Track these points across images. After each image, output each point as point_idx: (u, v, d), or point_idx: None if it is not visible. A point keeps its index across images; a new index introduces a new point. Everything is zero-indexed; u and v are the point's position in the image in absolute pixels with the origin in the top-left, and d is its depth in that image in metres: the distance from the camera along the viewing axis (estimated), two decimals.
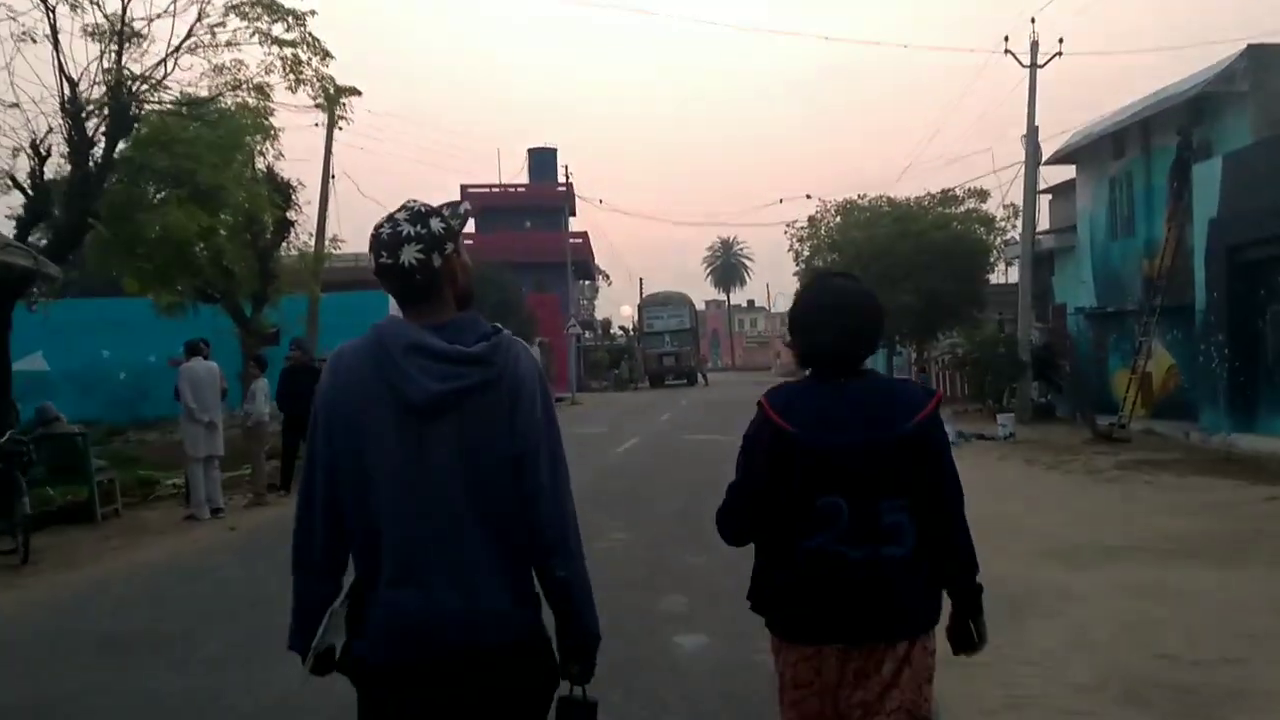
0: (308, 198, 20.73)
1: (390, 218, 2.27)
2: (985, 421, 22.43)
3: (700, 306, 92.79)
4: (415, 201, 2.30)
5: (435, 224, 2.25)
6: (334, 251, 21.80)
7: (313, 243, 20.81)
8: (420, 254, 2.21)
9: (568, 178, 55.84)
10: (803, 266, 40.05)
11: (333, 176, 22.63)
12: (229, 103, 14.49)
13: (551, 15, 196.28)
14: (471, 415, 2.17)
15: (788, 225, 38.41)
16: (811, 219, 37.76)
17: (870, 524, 2.53)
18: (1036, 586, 7.29)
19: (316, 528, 2.26)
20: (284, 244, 20.12)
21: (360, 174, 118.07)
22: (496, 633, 2.17)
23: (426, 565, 2.15)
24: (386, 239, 2.23)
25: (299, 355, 13.19)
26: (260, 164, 19.33)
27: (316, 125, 23.29)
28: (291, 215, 20.18)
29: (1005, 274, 39.69)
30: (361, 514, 2.20)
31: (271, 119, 18.16)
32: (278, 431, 13.90)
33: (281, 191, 19.73)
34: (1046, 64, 23.18)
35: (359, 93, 13.80)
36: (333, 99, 13.30)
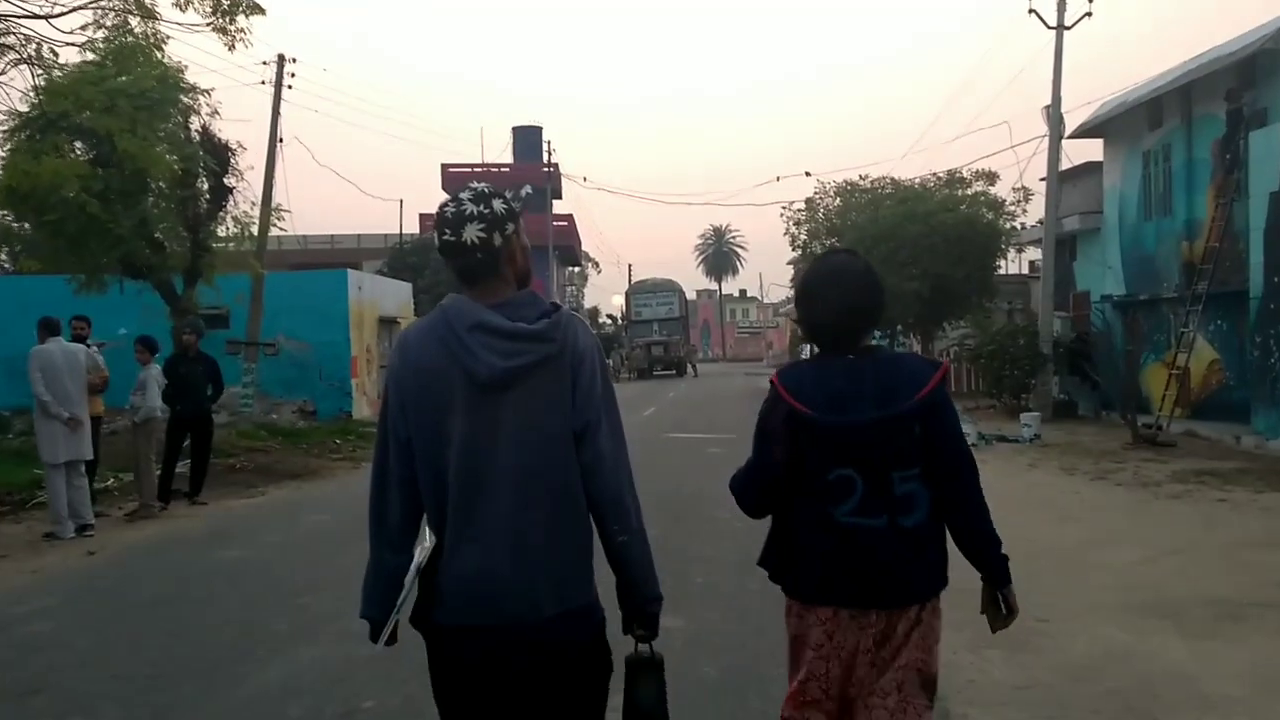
0: (249, 162, 18.48)
1: (455, 197, 2.33)
2: (1004, 420, 20.30)
3: (691, 296, 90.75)
4: (480, 183, 2.40)
5: (498, 205, 2.32)
6: (279, 226, 19.31)
7: (256, 213, 18.44)
8: (482, 232, 2.28)
9: (549, 155, 53.48)
10: (800, 252, 37.98)
11: (280, 140, 20.45)
12: (109, 24, 12.17)
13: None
14: (535, 389, 2.24)
15: (784, 207, 36.29)
16: (809, 201, 35.53)
17: (884, 495, 2.59)
18: (1150, 673, 5.14)
19: (391, 500, 2.32)
20: (221, 213, 17.79)
21: (331, 149, 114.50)
22: (556, 597, 2.24)
23: (493, 534, 2.22)
24: (450, 216, 2.30)
25: (190, 339, 10.92)
26: (195, 123, 17.18)
27: (263, 83, 21.27)
28: (230, 181, 17.86)
29: (1017, 262, 37.64)
30: (433, 486, 2.27)
31: (183, 74, 16.02)
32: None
33: (218, 154, 17.46)
34: (1075, 25, 21.00)
35: (262, 10, 11.57)
36: (228, 11, 11.07)
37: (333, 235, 48.61)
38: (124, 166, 15.08)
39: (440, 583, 2.26)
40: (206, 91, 16.90)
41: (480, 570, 2.22)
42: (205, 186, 17.58)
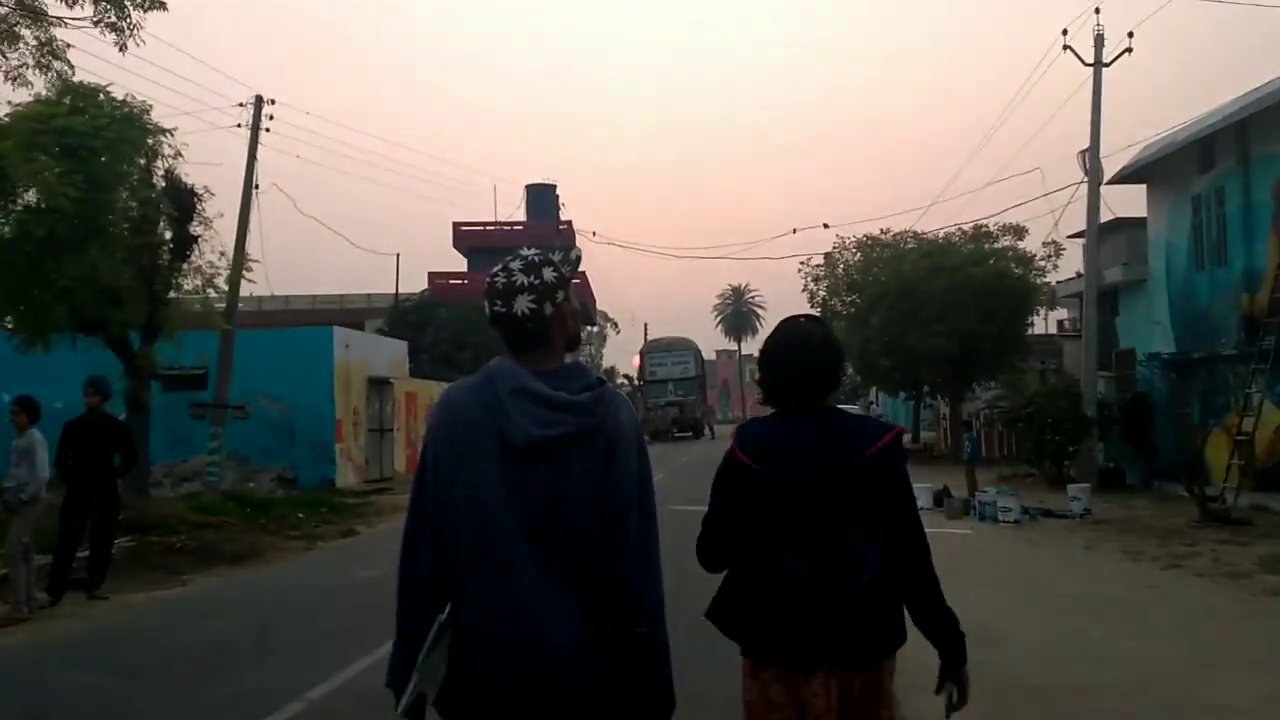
0: (218, 209, 16.98)
1: (505, 266, 2.33)
2: (1046, 491, 18.35)
3: (710, 356, 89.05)
4: (529, 249, 2.36)
5: (548, 273, 2.30)
6: (248, 279, 17.79)
7: (223, 264, 16.84)
8: (533, 304, 2.27)
9: (557, 211, 52.33)
10: (819, 309, 36.34)
11: (256, 186, 19.05)
12: None
13: (556, 56, 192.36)
14: (569, 461, 2.22)
15: (802, 263, 34.52)
16: (828, 256, 33.98)
17: (832, 551, 2.57)
18: None
19: (423, 560, 2.28)
20: (184, 264, 16.25)
21: (334, 205, 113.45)
22: (576, 671, 2.20)
23: (514, 602, 2.19)
24: (501, 288, 2.30)
25: (93, 400, 9.23)
26: (160, 166, 15.78)
27: (239, 126, 19.94)
28: (196, 229, 16.35)
29: (1045, 321, 35.71)
30: (461, 546, 2.24)
31: (147, 113, 14.68)
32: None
33: (181, 199, 15.99)
34: (1114, 62, 19.41)
35: (163, 5, 10.13)
36: (117, 2, 9.59)
37: (328, 295, 47.43)
38: (72, 211, 13.65)
39: (462, 649, 2.20)
40: (169, 131, 15.49)
41: (503, 639, 2.18)
42: (167, 235, 16.11)
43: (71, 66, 11.49)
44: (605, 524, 2.21)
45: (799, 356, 2.72)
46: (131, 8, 9.86)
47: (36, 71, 10.80)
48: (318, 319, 33.47)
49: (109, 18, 9.83)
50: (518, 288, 2.27)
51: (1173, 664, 6.60)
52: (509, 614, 2.17)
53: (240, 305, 45.00)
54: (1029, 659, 6.64)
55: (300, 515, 15.65)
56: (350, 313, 42.76)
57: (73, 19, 9.89)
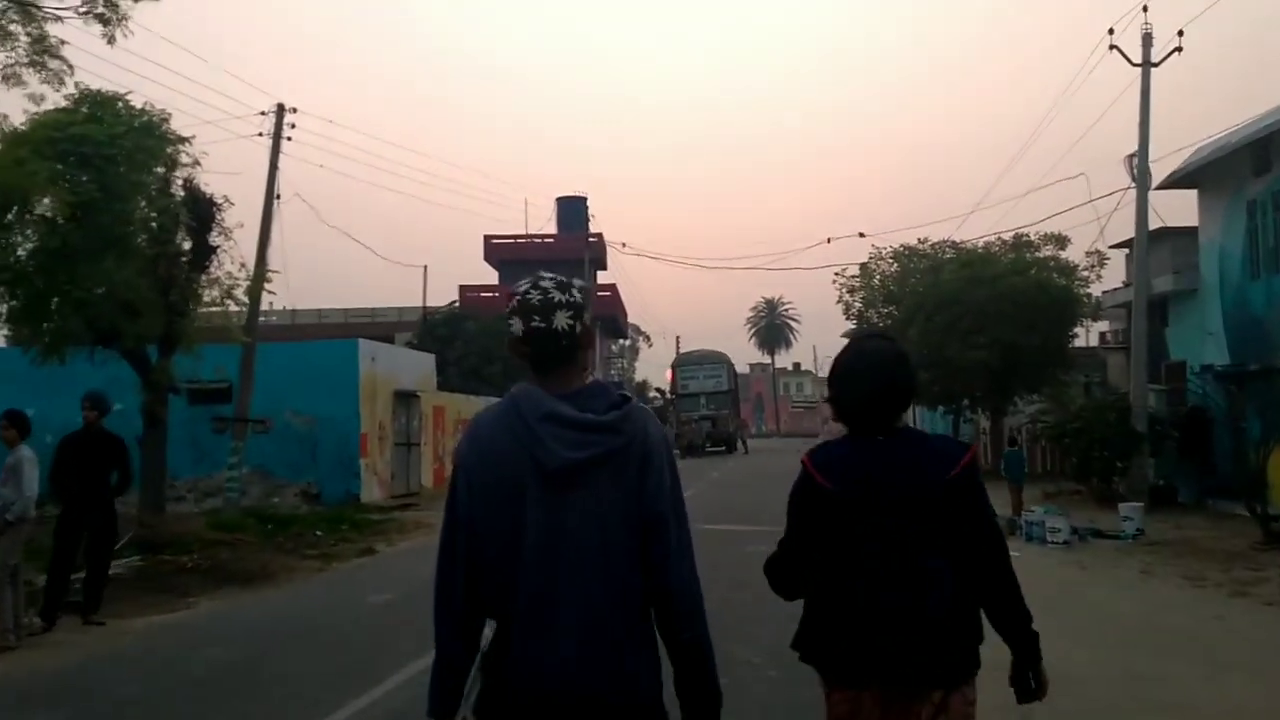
0: (238, 219, 16.67)
1: (536, 285, 2.32)
2: (1095, 510, 17.54)
3: (744, 369, 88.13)
4: (547, 273, 2.37)
5: (576, 293, 2.33)
6: (269, 290, 17.46)
7: (243, 275, 16.48)
8: (570, 319, 2.30)
9: (587, 223, 51.93)
10: (854, 321, 35.57)
11: (278, 196, 18.74)
12: None
13: (584, 70, 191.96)
14: (603, 481, 2.24)
15: (836, 274, 33.81)
16: (864, 267, 33.25)
17: (910, 574, 2.57)
18: None
19: (458, 586, 2.29)
20: (203, 275, 15.92)
21: (362, 217, 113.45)
22: (623, 692, 2.21)
23: (558, 625, 2.19)
24: (538, 304, 2.29)
25: (90, 415, 8.80)
26: (180, 175, 15.50)
27: (261, 135, 19.67)
28: (215, 240, 16.03)
29: (1086, 333, 34.65)
30: (498, 573, 2.24)
31: (167, 122, 14.44)
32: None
33: (201, 209, 15.68)
34: (1162, 62, 18.64)
35: None
36: None
37: (360, 309, 47.38)
38: (81, 221, 13.38)
39: (505, 675, 2.20)
40: (188, 139, 15.20)
41: (546, 664, 2.18)
42: (186, 245, 15.80)
43: (70, 66, 11.13)
44: (645, 535, 2.23)
45: (874, 376, 2.71)
46: None
47: (31, 70, 10.45)
48: (349, 333, 33.22)
49: (97, 8, 9.46)
50: (556, 304, 2.28)
51: (1256, 714, 5.91)
52: (554, 638, 2.18)
53: (274, 319, 45.26)
54: (1092, 708, 5.96)
55: (319, 533, 15.19)
56: (382, 326, 42.65)
57: (60, 9, 9.51)
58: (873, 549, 2.58)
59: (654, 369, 71.87)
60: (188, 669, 7.17)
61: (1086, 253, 28.60)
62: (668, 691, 2.25)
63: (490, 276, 53.67)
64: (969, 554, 2.60)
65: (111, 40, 10.10)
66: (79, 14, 9.76)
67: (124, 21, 10.00)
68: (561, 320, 2.27)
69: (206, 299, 16.04)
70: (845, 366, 2.79)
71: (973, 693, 2.60)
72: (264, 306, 33.78)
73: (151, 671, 7.17)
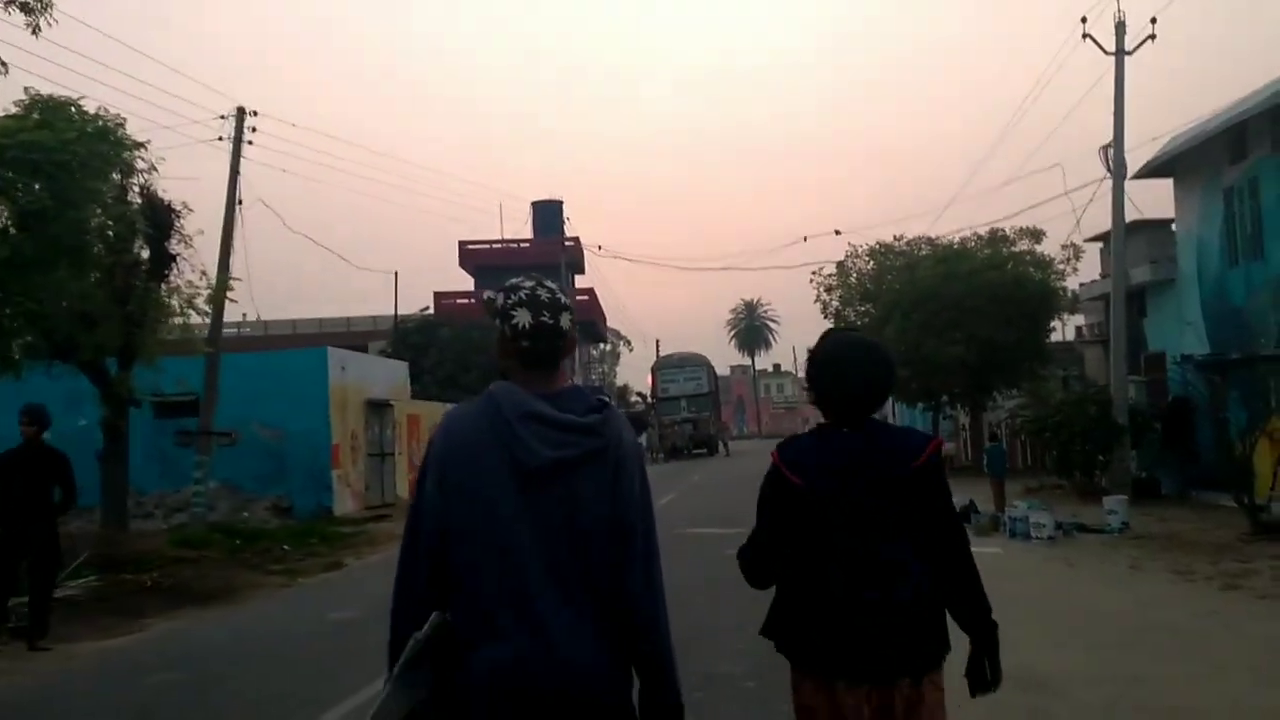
0: (198, 226, 16.20)
1: (541, 283, 2.36)
2: (1077, 504, 17.31)
3: (724, 372, 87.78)
4: (535, 276, 2.40)
5: (564, 297, 2.38)
6: (230, 298, 16.99)
7: (202, 284, 15.99)
8: (570, 320, 2.35)
9: (562, 227, 51.59)
10: (832, 319, 35.36)
11: (240, 202, 18.27)
12: None
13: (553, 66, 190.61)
14: (579, 483, 2.24)
15: (814, 273, 33.57)
16: (840, 265, 33.03)
17: (877, 564, 2.61)
18: None
19: (419, 580, 2.28)
20: (163, 284, 15.45)
21: (331, 223, 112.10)
22: (589, 691, 2.21)
23: (525, 621, 2.19)
24: (547, 301, 2.32)
25: (31, 431, 8.35)
26: (136, 181, 15.05)
27: (220, 139, 19.19)
28: (175, 248, 15.57)
29: (1061, 327, 34.53)
30: (464, 568, 2.23)
31: (122, 126, 14.03)
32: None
33: (158, 216, 15.23)
34: (1136, 50, 18.47)
35: None
36: None
37: (334, 318, 46.89)
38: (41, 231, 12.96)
39: (469, 673, 2.19)
40: (143, 144, 14.73)
41: (514, 663, 2.16)
42: (145, 254, 15.33)
43: (3, 63, 10.68)
44: (615, 541, 2.24)
45: (856, 369, 2.73)
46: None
47: None
48: (323, 343, 32.77)
49: None
50: (562, 305, 2.33)
51: (1264, 715, 5.61)
52: (525, 634, 2.17)
53: (248, 330, 44.42)
54: (1086, 713, 5.66)
55: (285, 548, 14.75)
56: (357, 335, 42.13)
57: None
58: (841, 539, 2.62)
59: (635, 373, 71.36)
60: (131, 696, 6.74)
61: (1062, 246, 28.51)
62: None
63: (465, 282, 53.21)
64: (933, 543, 2.64)
65: (36, 30, 9.65)
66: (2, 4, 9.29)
67: (48, 10, 9.54)
68: (565, 320, 2.31)
69: (167, 309, 15.59)
70: (824, 360, 2.80)
71: (940, 678, 2.64)
72: (236, 318, 33.11)
73: (93, 699, 6.75)
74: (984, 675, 2.68)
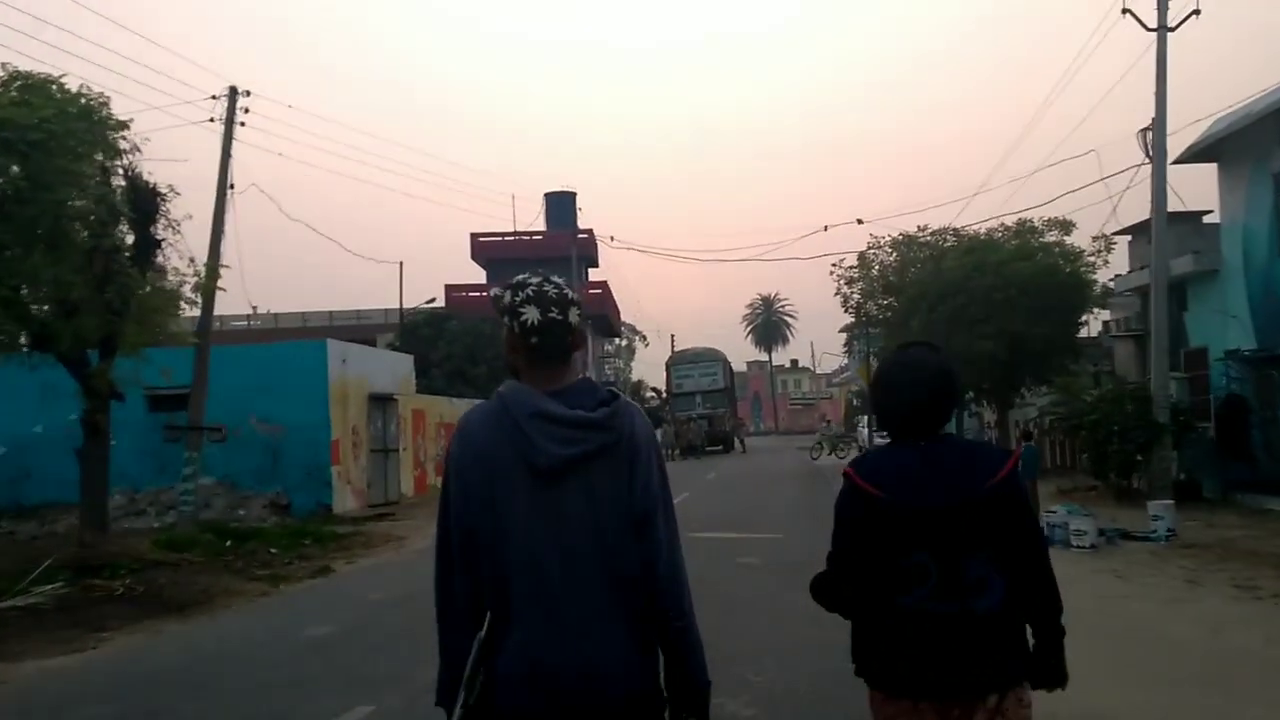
0: (187, 210, 15.41)
1: (547, 279, 2.38)
2: (1114, 507, 16.31)
3: (741, 367, 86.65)
4: (543, 272, 2.43)
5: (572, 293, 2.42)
6: (221, 287, 16.17)
7: (190, 271, 15.15)
8: (578, 315, 2.38)
9: (575, 219, 50.70)
10: (852, 313, 34.33)
11: (232, 186, 17.42)
12: None
13: (569, 50, 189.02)
14: (593, 477, 2.27)
15: (834, 265, 32.52)
16: (862, 257, 31.96)
17: (958, 580, 2.60)
18: None
19: (455, 584, 2.32)
20: (148, 270, 14.63)
21: (335, 211, 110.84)
22: (620, 683, 2.25)
23: (554, 618, 2.23)
24: (555, 296, 2.34)
25: None
26: (120, 163, 14.26)
27: (212, 120, 18.34)
28: (160, 233, 14.75)
29: (1090, 322, 33.34)
30: (493, 569, 2.27)
31: (106, 106, 13.28)
32: None
33: (143, 199, 14.42)
34: (1179, 25, 17.37)
35: None
36: None
37: (345, 310, 46.26)
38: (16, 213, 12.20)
39: (501, 668, 2.22)
40: (126, 124, 13.92)
41: (543, 656, 2.20)
42: (129, 239, 14.53)
43: None
44: (635, 529, 2.27)
45: (918, 385, 2.74)
46: None
47: None
48: (333, 336, 32.13)
49: None
50: (570, 300, 2.35)
51: None
52: (551, 632, 2.21)
53: (257, 323, 43.56)
54: None
55: (273, 551, 13.90)
56: (368, 328, 41.45)
57: None
58: (920, 557, 2.59)
59: (650, 369, 70.53)
60: None
61: (1093, 238, 27.39)
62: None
63: (476, 275, 52.45)
64: (1013, 558, 2.61)
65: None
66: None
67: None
68: (574, 315, 2.33)
69: (152, 296, 14.78)
70: (890, 375, 2.83)
71: (1027, 694, 2.61)
72: (245, 310, 32.13)
73: None
74: (1050, 672, 2.65)
